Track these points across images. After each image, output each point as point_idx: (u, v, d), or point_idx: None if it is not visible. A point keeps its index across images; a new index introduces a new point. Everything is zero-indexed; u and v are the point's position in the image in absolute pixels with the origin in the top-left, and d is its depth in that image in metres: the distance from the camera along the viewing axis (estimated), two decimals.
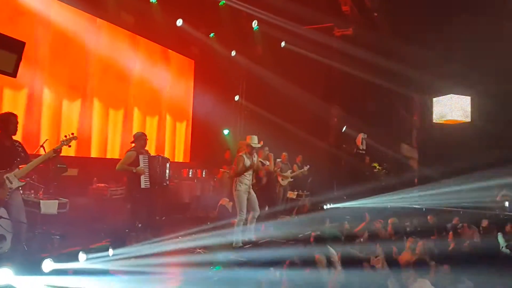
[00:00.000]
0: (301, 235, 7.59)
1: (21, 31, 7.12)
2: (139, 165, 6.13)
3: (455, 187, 10.03)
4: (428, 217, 8.30)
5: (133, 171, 6.07)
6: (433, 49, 11.41)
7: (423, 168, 13.05)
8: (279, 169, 9.86)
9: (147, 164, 6.21)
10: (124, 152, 6.52)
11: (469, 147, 11.26)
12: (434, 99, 12.69)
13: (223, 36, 11.66)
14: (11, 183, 4.63)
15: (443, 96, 12.44)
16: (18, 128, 4.90)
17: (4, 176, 4.59)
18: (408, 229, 7.25)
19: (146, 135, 6.47)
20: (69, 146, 5.07)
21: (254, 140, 6.70)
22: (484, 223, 7.69)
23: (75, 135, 5.06)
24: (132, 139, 6.42)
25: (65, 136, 5.01)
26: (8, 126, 4.70)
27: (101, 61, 8.91)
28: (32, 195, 6.23)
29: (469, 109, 12.28)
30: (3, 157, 4.65)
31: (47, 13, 7.65)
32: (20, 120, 7.00)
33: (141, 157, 6.18)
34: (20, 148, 4.83)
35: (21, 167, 4.77)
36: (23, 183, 4.86)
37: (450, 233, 6.74)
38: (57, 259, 4.40)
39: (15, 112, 4.88)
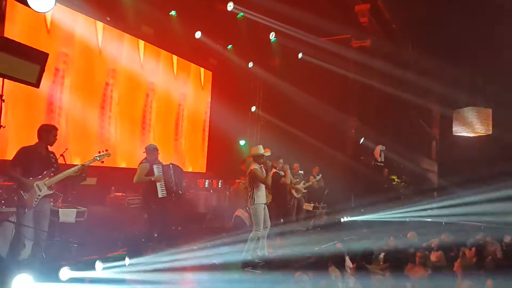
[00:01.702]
0: (317, 248, 7.52)
1: (43, 42, 7.31)
2: (154, 175, 6.25)
3: (476, 200, 9.80)
4: (442, 236, 8.10)
5: (152, 179, 6.20)
6: (453, 60, 11.28)
7: (442, 181, 12.82)
8: (302, 182, 9.81)
9: (161, 173, 6.32)
10: (138, 164, 6.63)
11: (490, 160, 11.01)
12: (454, 111, 12.48)
13: (240, 48, 11.76)
14: (40, 190, 4.81)
15: (463, 108, 12.23)
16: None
17: (34, 184, 4.78)
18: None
19: (158, 149, 6.58)
20: (102, 162, 5.26)
21: (260, 150, 6.57)
22: (507, 238, 7.47)
23: (108, 152, 5.32)
24: (144, 151, 6.51)
25: (99, 152, 5.30)
26: (49, 137, 4.96)
27: (120, 71, 9.07)
28: (51, 203, 6.31)
29: (490, 121, 12.03)
30: (37, 165, 4.86)
31: (69, 25, 7.84)
32: None
33: (155, 166, 6.32)
34: (53, 159, 5.07)
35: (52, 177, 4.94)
36: (51, 192, 5.00)
37: (473, 249, 6.56)
38: (74, 267, 4.45)
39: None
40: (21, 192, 4.71)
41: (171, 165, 6.70)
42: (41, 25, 7.34)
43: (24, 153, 4.81)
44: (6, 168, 4.89)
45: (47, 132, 4.94)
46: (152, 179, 6.22)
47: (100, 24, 8.51)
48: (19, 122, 6.85)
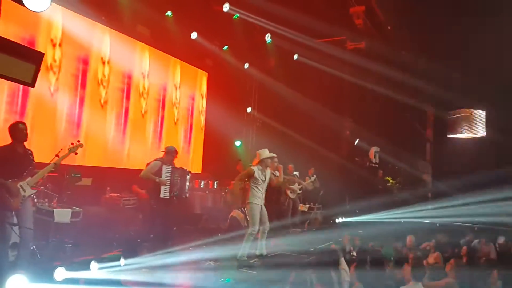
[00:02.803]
0: (312, 249, 7.53)
1: (35, 38, 7.29)
2: (161, 176, 6.26)
3: (470, 202, 9.86)
4: (439, 236, 8.15)
5: (156, 181, 6.20)
6: (448, 62, 11.36)
7: (437, 183, 12.89)
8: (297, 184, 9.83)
9: (169, 175, 6.34)
10: (146, 163, 6.67)
11: (484, 162, 11.09)
12: (449, 113, 12.57)
13: (236, 48, 11.78)
14: (24, 191, 4.75)
15: (458, 110, 12.31)
16: (32, 136, 5.01)
17: (18, 184, 4.71)
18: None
19: (177, 152, 6.66)
20: (76, 154, 5.18)
21: (265, 153, 6.63)
22: (501, 240, 7.54)
23: (81, 142, 5.23)
24: (164, 150, 6.59)
25: (72, 144, 5.18)
26: (17, 134, 4.83)
27: (115, 71, 9.05)
28: (46, 203, 6.29)
29: (484, 123, 12.12)
30: (17, 165, 4.79)
31: (64, 24, 7.81)
32: (37, 128, 7.17)
33: (164, 167, 6.31)
34: (32, 157, 4.97)
35: (34, 176, 4.88)
36: (35, 191, 4.95)
37: (464, 248, 6.61)
38: (69, 268, 4.43)
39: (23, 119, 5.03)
40: (7, 195, 4.63)
41: (179, 169, 6.70)
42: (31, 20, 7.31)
43: (0, 153, 4.72)
44: None
45: (14, 130, 4.83)
46: (157, 180, 6.23)
47: (94, 24, 8.50)
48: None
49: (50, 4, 4.24)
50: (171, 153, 6.56)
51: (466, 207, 9.83)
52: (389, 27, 12.10)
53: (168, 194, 6.30)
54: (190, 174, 6.90)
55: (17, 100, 7.00)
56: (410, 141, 13.37)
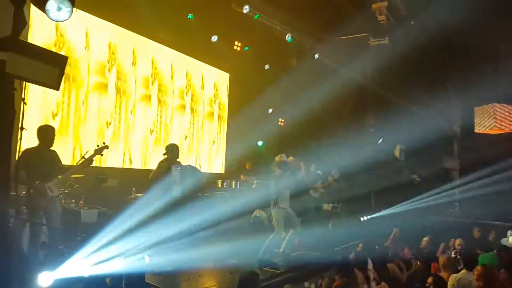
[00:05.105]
0: (337, 248, 7.47)
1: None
2: (171, 175, 6.26)
3: (498, 199, 9.57)
4: (474, 232, 7.96)
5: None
6: (475, 56, 11.06)
7: (464, 180, 12.56)
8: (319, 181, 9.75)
9: (178, 174, 6.30)
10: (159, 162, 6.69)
11: None
12: (476, 108, 12.20)
13: (257, 49, 11.79)
14: (52, 191, 4.91)
15: (485, 105, 11.93)
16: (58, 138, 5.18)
17: (46, 186, 4.87)
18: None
19: (178, 147, 6.53)
20: (102, 155, 5.28)
21: (283, 158, 6.79)
22: None
23: (106, 144, 5.33)
24: (165, 151, 6.50)
25: (97, 146, 5.27)
26: (47, 138, 5.00)
27: (139, 74, 9.23)
28: (73, 204, 6.48)
29: None
30: (44, 167, 4.94)
31: (88, 29, 8.03)
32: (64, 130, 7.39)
33: (173, 167, 6.29)
34: (57, 158, 5.13)
35: (60, 177, 5.04)
36: (62, 192, 5.10)
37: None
38: (94, 265, 4.53)
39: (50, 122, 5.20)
40: (34, 196, 4.79)
41: (188, 166, 6.73)
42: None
43: (28, 155, 4.84)
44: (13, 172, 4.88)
45: (45, 133, 4.97)
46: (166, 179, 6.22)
47: (115, 28, 8.69)
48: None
49: (71, 15, 4.30)
50: (172, 150, 6.40)
51: (494, 203, 9.52)
52: (412, 22, 11.87)
53: (180, 192, 6.26)
54: (200, 173, 6.89)
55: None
56: (437, 138, 13.06)
